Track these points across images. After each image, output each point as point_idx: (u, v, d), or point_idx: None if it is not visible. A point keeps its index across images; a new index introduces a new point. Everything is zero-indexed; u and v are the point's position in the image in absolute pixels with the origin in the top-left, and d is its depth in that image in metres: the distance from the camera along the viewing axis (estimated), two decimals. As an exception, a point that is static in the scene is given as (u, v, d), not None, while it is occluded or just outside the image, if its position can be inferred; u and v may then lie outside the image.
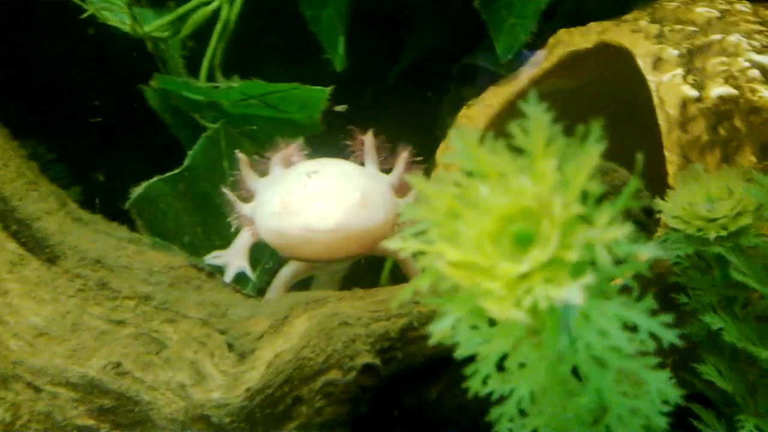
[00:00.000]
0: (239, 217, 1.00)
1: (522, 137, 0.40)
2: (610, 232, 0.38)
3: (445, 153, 1.31)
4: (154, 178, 1.03)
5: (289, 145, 1.06)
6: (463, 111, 1.32)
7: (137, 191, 0.99)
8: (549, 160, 0.38)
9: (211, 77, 1.38)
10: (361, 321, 0.72)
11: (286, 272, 1.08)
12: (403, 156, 1.03)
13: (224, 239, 1.10)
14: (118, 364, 0.72)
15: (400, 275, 1.23)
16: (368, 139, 1.03)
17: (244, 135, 1.35)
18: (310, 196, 0.88)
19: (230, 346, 0.72)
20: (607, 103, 1.34)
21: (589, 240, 0.38)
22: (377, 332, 0.71)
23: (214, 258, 1.03)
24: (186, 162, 1.08)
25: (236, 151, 1.05)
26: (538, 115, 0.39)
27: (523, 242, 0.40)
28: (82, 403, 0.72)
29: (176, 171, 1.06)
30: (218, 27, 1.34)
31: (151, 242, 0.90)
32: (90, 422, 0.72)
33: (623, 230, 0.38)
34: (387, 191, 0.96)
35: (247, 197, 1.02)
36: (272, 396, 0.68)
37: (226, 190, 1.00)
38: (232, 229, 1.04)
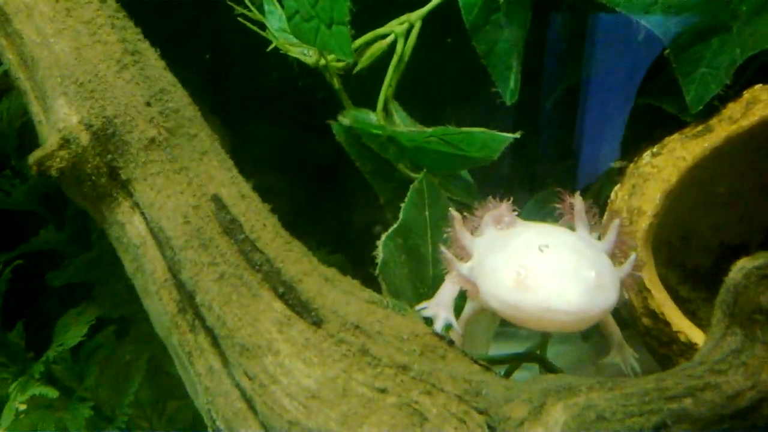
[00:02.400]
0: (456, 276, 1.05)
1: None
2: None
3: (626, 200, 1.31)
4: (383, 237, 1.08)
5: (498, 204, 1.10)
6: (647, 158, 1.31)
7: (381, 256, 1.05)
8: None
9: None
10: (616, 416, 0.77)
11: (468, 312, 1.14)
12: (616, 223, 1.05)
13: (426, 287, 1.16)
14: (389, 435, 0.79)
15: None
16: (578, 203, 1.06)
17: (417, 166, 1.41)
18: (547, 274, 0.92)
19: (491, 428, 0.78)
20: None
21: None
22: (633, 428, 0.76)
23: (421, 309, 1.09)
24: (401, 216, 1.14)
25: (450, 209, 1.10)
26: None
27: None
28: (356, 467, 0.79)
29: (395, 226, 1.11)
30: (394, 60, 1.38)
31: (391, 304, 0.95)
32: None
33: None
34: (610, 265, 0.99)
35: (461, 254, 1.07)
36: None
37: (444, 249, 1.05)
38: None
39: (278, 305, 0.90)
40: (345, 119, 1.41)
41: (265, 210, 0.99)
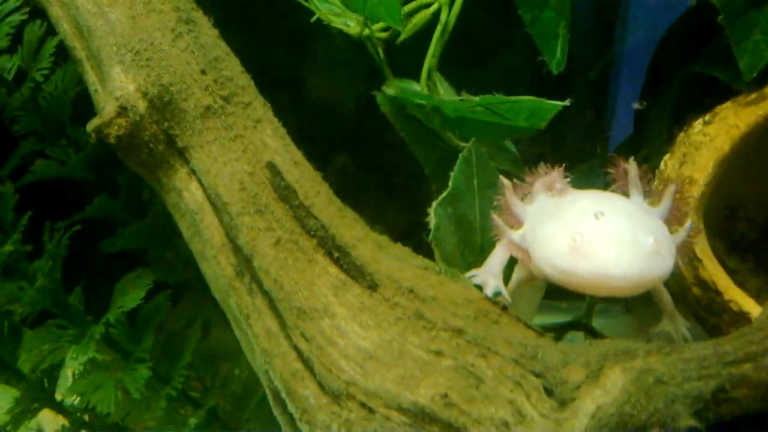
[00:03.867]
0: (508, 243, 1.05)
1: None
2: None
3: (676, 169, 1.30)
4: (434, 204, 1.09)
5: (550, 171, 1.09)
6: (698, 127, 1.29)
7: (432, 222, 1.06)
8: None
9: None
10: (674, 380, 0.77)
11: (514, 282, 1.14)
12: (671, 189, 1.04)
13: (474, 255, 1.16)
14: (445, 395, 0.80)
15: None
16: (632, 169, 1.05)
17: (461, 138, 1.40)
18: (603, 240, 0.90)
19: (548, 391, 0.79)
20: None
21: None
22: (692, 393, 0.76)
23: (471, 277, 1.10)
24: (451, 184, 1.14)
25: (500, 176, 1.09)
26: None
27: None
28: (413, 428, 0.80)
29: (445, 194, 1.11)
30: (438, 29, 1.37)
31: (444, 270, 0.96)
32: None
33: None
34: (667, 231, 0.98)
35: (511, 222, 1.07)
36: (595, 446, 0.73)
37: (495, 217, 1.05)
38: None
39: (333, 270, 0.91)
40: (389, 89, 1.41)
41: (317, 177, 1.00)
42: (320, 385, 0.87)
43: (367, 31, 1.39)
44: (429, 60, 1.41)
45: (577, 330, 1.28)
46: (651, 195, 1.06)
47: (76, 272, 1.24)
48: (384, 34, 1.41)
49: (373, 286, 0.89)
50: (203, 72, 1.00)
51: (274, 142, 0.99)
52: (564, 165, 1.09)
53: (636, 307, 1.70)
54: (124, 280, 1.19)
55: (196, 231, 1.00)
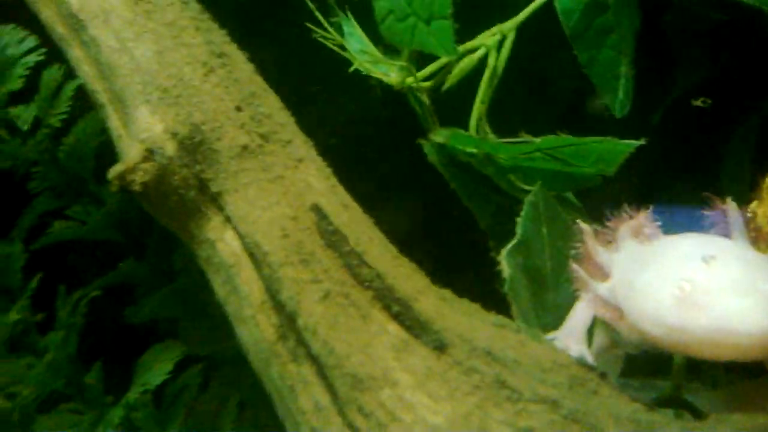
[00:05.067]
0: (594, 299, 0.90)
1: None
2: None
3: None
4: (503, 253, 0.95)
5: (635, 214, 0.95)
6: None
7: (506, 271, 0.92)
8: None
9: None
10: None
11: (595, 350, 0.98)
12: None
13: (549, 315, 1.01)
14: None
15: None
16: (733, 210, 0.91)
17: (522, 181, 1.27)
18: (719, 289, 0.76)
19: (677, 479, 0.62)
20: None
21: None
22: None
23: (550, 340, 0.94)
24: (519, 231, 1.00)
25: (578, 221, 0.96)
26: None
27: None
28: None
29: (514, 242, 0.98)
30: (486, 74, 1.26)
31: (521, 329, 0.81)
32: None
33: None
34: None
35: (594, 273, 0.92)
36: None
37: (577, 267, 0.91)
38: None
39: (393, 327, 0.76)
40: (437, 137, 1.30)
41: (369, 221, 0.87)
42: (382, 476, 0.71)
43: (410, 80, 1.30)
44: (478, 107, 1.31)
45: (668, 406, 1.09)
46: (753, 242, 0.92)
47: (97, 346, 1.10)
48: (427, 84, 1.32)
49: (441, 347, 0.74)
50: (238, 109, 0.89)
51: (318, 182, 0.86)
52: (652, 207, 0.96)
53: (722, 382, 1.50)
54: (148, 353, 1.05)
55: (232, 288, 0.87)
